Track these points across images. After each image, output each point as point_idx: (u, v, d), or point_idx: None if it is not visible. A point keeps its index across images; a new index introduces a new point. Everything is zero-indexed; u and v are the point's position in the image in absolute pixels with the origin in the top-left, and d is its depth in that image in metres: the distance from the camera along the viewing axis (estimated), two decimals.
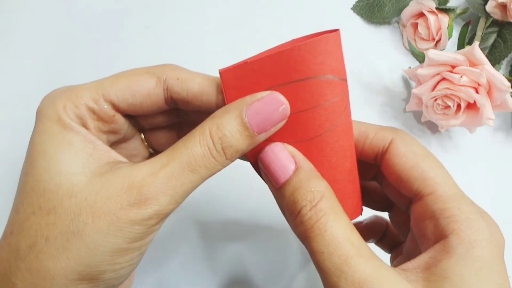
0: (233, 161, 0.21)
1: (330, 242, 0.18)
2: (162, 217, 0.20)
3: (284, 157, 0.21)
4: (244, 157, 0.23)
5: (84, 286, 0.19)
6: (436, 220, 0.20)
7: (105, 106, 0.22)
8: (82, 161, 0.20)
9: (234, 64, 0.21)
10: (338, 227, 0.19)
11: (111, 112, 0.22)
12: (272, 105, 0.21)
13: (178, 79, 0.22)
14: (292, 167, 0.21)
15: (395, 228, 0.27)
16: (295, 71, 0.21)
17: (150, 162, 0.20)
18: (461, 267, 0.18)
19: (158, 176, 0.20)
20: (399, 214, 0.26)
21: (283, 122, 0.21)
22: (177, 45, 0.44)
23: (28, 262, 0.19)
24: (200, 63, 0.43)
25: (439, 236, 0.19)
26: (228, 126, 0.20)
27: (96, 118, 0.22)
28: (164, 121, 0.25)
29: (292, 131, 0.22)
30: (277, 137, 0.22)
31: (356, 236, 0.19)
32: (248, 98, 0.21)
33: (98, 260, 0.19)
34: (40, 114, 0.21)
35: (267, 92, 0.21)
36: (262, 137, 0.21)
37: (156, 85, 0.22)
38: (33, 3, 0.45)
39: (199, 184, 0.21)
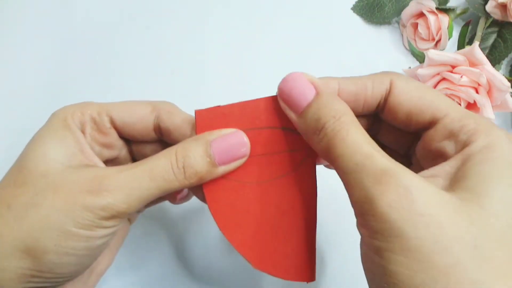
0: (191, 183, 0.23)
1: (352, 143, 0.19)
2: (113, 213, 0.21)
3: (304, 83, 0.22)
4: (200, 194, 0.25)
5: (25, 262, 0.21)
6: (456, 137, 0.20)
7: (105, 118, 0.25)
8: (67, 154, 0.23)
9: (209, 107, 0.24)
10: (359, 132, 0.20)
11: (108, 124, 0.26)
12: (236, 141, 0.23)
13: (168, 112, 0.26)
14: (312, 91, 0.22)
15: None
16: (259, 119, 0.24)
17: (121, 165, 0.23)
18: (481, 166, 0.18)
19: (121, 174, 0.22)
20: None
21: (243, 160, 0.24)
22: (177, 45, 0.44)
23: None
24: (200, 63, 0.44)
25: (461, 149, 0.20)
26: (193, 149, 0.23)
27: (94, 128, 0.25)
28: (151, 152, 0.28)
29: (251, 171, 0.24)
30: (236, 175, 0.24)
31: (375, 144, 0.20)
32: (216, 132, 0.23)
33: (46, 235, 0.20)
34: (52, 115, 0.25)
35: (234, 129, 0.24)
36: (221, 169, 0.23)
37: (150, 112, 0.26)
38: (33, 3, 0.45)
39: (154, 194, 0.22)
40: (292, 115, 0.22)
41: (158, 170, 0.22)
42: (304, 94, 0.21)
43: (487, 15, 0.43)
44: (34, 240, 0.20)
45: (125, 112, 0.26)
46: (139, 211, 0.30)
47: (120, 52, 0.44)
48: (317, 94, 0.21)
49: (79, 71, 0.42)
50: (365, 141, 0.19)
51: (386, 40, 0.47)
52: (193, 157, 0.23)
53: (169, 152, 0.23)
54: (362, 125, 0.21)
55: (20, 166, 0.22)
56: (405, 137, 0.24)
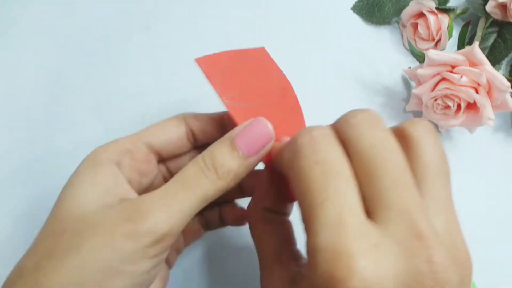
0: (227, 183, 0.22)
1: None
2: (156, 237, 0.20)
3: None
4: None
5: None
6: None
7: (141, 146, 0.25)
8: (99, 193, 0.22)
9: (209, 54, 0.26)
10: None
11: (146, 150, 0.25)
12: (259, 128, 0.23)
13: (194, 116, 0.27)
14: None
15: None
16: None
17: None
18: None
19: (154, 194, 0.21)
20: None
21: (271, 144, 0.23)
22: (178, 46, 0.44)
23: (26, 278, 0.19)
24: None
25: None
26: (219, 149, 0.23)
27: (133, 158, 0.25)
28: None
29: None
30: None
31: None
32: (237, 128, 0.23)
33: (87, 278, 0.19)
34: (85, 157, 0.24)
35: (254, 118, 0.23)
36: (253, 160, 0.23)
37: (179, 122, 0.27)
38: (33, 3, 0.45)
39: (194, 206, 0.21)
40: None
41: (190, 178, 0.22)
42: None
43: (487, 15, 0.43)
44: (75, 285, 0.19)
45: (159, 132, 0.26)
46: (178, 248, 0.30)
47: (120, 52, 0.44)
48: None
49: (79, 72, 0.42)
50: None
51: (386, 40, 0.47)
52: (221, 156, 0.22)
53: (196, 158, 0.23)
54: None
55: (56, 214, 0.22)
56: None
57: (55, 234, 0.21)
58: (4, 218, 0.36)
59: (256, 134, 0.23)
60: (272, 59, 0.28)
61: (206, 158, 0.22)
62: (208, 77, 0.25)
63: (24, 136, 0.39)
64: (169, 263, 0.29)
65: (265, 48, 0.29)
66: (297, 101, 0.28)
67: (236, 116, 0.24)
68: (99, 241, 0.20)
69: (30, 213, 0.36)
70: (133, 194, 0.23)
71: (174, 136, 0.26)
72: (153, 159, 0.26)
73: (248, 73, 0.27)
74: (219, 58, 0.26)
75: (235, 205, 0.32)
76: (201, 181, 0.22)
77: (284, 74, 0.28)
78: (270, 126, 0.23)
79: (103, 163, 0.23)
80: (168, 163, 0.28)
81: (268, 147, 0.23)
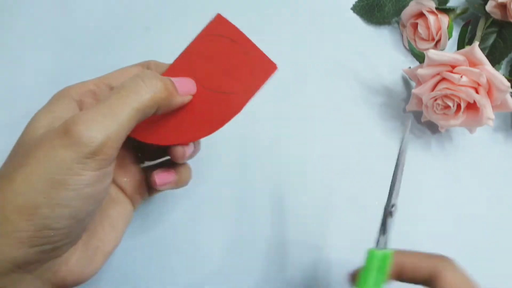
0: (161, 96, 0.25)
1: None
2: (94, 147, 0.21)
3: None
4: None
5: (20, 223, 0.20)
6: None
7: (104, 87, 0.27)
8: (50, 119, 0.24)
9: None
10: None
11: (107, 91, 0.27)
12: (189, 81, 0.28)
13: (155, 64, 0.30)
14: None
15: None
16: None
17: None
18: None
19: (91, 108, 0.23)
20: None
21: (189, 96, 0.28)
22: (177, 46, 0.44)
23: None
24: None
25: None
26: (153, 72, 0.26)
27: (95, 98, 0.27)
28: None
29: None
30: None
31: None
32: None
33: (34, 190, 0.21)
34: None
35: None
36: (180, 92, 0.27)
37: (141, 68, 0.29)
38: (34, 3, 0.45)
39: (130, 114, 0.23)
40: None
41: (125, 88, 0.23)
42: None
43: (487, 15, 0.43)
44: (24, 197, 0.21)
45: (120, 77, 0.28)
46: (143, 195, 0.31)
47: (120, 52, 0.44)
48: None
49: (79, 72, 0.42)
50: None
51: (386, 40, 0.47)
52: (155, 76, 0.25)
53: (134, 75, 0.25)
54: None
55: (16, 143, 0.24)
56: None
57: (10, 158, 0.23)
58: None
59: (187, 82, 0.28)
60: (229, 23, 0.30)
61: (141, 73, 0.25)
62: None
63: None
64: (132, 201, 0.30)
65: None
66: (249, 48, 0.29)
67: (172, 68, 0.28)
68: (41, 155, 0.21)
69: None
70: None
71: None
72: None
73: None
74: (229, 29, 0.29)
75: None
76: (136, 89, 0.23)
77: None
78: (194, 85, 0.28)
79: (65, 97, 0.26)
80: None
81: (189, 96, 0.27)
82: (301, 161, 0.40)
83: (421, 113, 0.42)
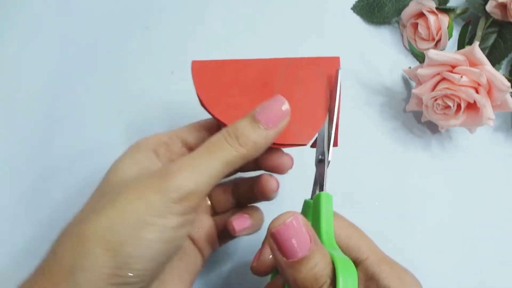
0: (248, 151, 0.25)
1: None
2: (182, 194, 0.23)
3: (303, 234, 0.22)
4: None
5: (104, 258, 0.21)
6: (377, 281, 0.23)
7: (176, 140, 0.29)
8: (137, 167, 0.26)
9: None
10: None
11: (179, 144, 0.29)
12: (276, 104, 0.26)
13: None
14: (308, 244, 0.21)
15: None
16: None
17: None
18: None
19: (183, 158, 0.24)
20: None
21: (287, 119, 0.26)
22: (177, 45, 0.44)
23: (71, 228, 0.23)
24: None
25: None
26: (241, 122, 0.26)
27: (168, 149, 0.28)
28: None
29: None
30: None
31: None
32: (259, 106, 0.26)
33: (121, 227, 0.22)
34: (129, 146, 0.28)
35: (272, 97, 0.27)
36: (273, 132, 0.26)
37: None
38: (34, 3, 0.45)
39: (218, 167, 0.24)
40: (280, 258, 0.22)
41: (213, 144, 0.25)
42: (302, 246, 0.21)
43: (487, 15, 0.43)
44: (111, 233, 0.22)
45: (194, 130, 0.29)
46: (213, 245, 0.31)
47: (120, 52, 0.44)
48: (311, 244, 0.22)
49: (79, 71, 0.42)
50: None
51: (386, 40, 0.47)
52: (242, 126, 0.25)
53: (221, 131, 0.26)
54: None
55: (101, 183, 0.26)
56: None
57: (99, 196, 0.25)
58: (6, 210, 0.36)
59: (275, 109, 0.26)
60: (211, 61, 0.30)
61: (229, 129, 0.25)
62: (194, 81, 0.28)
63: (24, 136, 0.39)
64: (202, 252, 0.31)
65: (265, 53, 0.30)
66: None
67: (223, 119, 0.27)
68: (132, 197, 0.23)
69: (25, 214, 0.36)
70: None
71: (206, 135, 0.29)
72: (186, 152, 0.29)
73: (231, 78, 0.29)
74: (210, 65, 0.29)
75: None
76: (224, 147, 0.25)
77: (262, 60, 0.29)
78: (286, 103, 0.26)
79: (143, 148, 0.27)
80: None
81: (285, 122, 0.26)
82: (302, 161, 0.40)
83: (421, 113, 0.42)
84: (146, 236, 0.22)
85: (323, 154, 0.28)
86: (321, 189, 0.27)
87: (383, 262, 0.24)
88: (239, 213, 0.30)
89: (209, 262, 0.36)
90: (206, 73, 0.29)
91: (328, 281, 0.21)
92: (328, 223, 0.25)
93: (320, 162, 0.28)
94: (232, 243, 0.36)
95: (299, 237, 0.21)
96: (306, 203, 0.28)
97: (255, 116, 0.25)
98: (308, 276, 0.21)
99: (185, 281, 0.29)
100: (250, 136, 0.25)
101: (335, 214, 0.26)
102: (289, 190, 0.34)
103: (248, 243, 0.37)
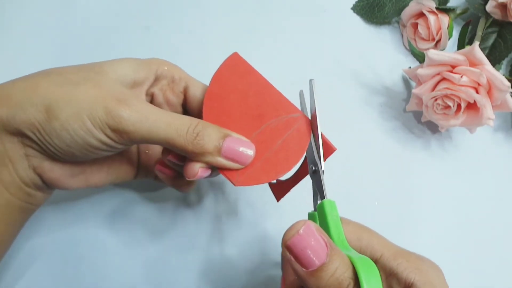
0: (193, 150, 0.26)
1: None
2: (119, 127, 0.25)
3: (318, 242, 0.21)
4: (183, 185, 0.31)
5: (39, 115, 0.24)
6: (396, 275, 0.23)
7: (182, 83, 0.31)
8: (127, 75, 0.28)
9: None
10: None
11: (181, 89, 0.31)
12: (246, 149, 0.27)
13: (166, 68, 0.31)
14: (325, 250, 0.21)
15: None
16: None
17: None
18: None
19: (148, 105, 0.26)
20: None
21: (241, 166, 0.28)
22: (177, 45, 0.44)
23: (40, 77, 0.26)
24: (200, 63, 0.43)
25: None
26: (211, 129, 0.27)
27: (169, 84, 0.31)
28: None
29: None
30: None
31: None
32: (236, 134, 0.28)
33: (65, 108, 0.24)
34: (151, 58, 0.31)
35: (249, 141, 0.28)
36: (222, 160, 0.27)
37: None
38: (34, 3, 0.45)
39: (160, 138, 0.26)
40: (299, 269, 0.21)
41: (177, 122, 0.26)
42: (319, 252, 0.21)
43: (487, 15, 0.43)
44: (57, 105, 0.24)
45: (198, 89, 0.31)
46: (147, 172, 0.33)
47: (120, 52, 0.43)
48: (329, 251, 0.21)
49: None
50: None
51: (386, 40, 0.47)
52: (208, 134, 0.27)
53: (194, 119, 0.27)
54: None
55: (98, 64, 0.28)
56: None
57: (84, 69, 0.28)
58: None
59: (241, 151, 0.27)
60: (247, 64, 0.30)
61: (199, 125, 0.27)
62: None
63: None
64: (137, 171, 0.33)
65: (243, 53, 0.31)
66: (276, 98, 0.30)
67: (205, 111, 0.29)
68: (90, 94, 0.25)
69: None
70: (143, 98, 0.30)
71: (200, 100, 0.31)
72: (180, 99, 0.31)
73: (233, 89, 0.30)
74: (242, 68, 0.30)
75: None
76: (180, 133, 0.26)
77: (260, 77, 0.30)
78: (253, 155, 0.28)
79: (151, 68, 0.30)
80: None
81: (240, 165, 0.27)
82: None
83: (421, 113, 0.42)
84: (75, 128, 0.24)
85: (316, 165, 0.28)
86: (322, 197, 0.26)
87: (399, 256, 0.23)
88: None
89: (210, 264, 0.36)
90: (233, 69, 0.29)
91: (352, 283, 0.21)
92: (338, 228, 0.24)
93: (315, 173, 0.28)
94: (232, 246, 0.36)
95: (314, 244, 0.21)
96: (310, 216, 0.28)
97: (225, 139, 0.27)
98: (331, 282, 0.21)
99: (110, 175, 0.31)
100: (206, 146, 0.26)
101: (341, 219, 0.25)
102: (290, 207, 0.34)
103: (248, 246, 0.37)
